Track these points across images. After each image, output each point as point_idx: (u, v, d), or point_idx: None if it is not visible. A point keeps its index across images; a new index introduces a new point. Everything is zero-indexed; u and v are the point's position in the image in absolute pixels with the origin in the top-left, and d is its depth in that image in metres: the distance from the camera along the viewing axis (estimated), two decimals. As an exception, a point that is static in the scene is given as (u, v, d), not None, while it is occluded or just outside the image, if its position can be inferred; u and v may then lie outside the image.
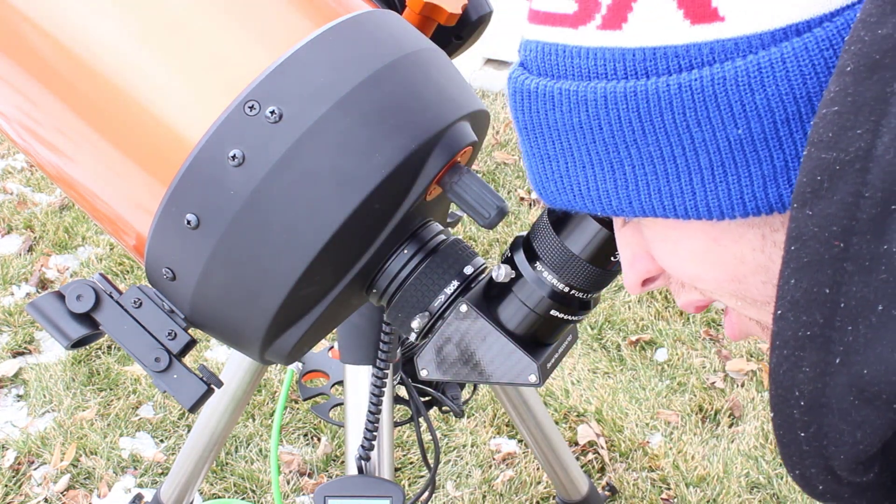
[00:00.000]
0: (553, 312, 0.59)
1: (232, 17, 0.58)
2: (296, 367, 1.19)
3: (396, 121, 0.56)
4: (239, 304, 0.57)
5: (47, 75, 0.58)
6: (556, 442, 1.40)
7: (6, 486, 1.85)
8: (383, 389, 0.84)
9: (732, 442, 2.03)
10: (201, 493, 1.85)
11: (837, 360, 0.38)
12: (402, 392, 1.07)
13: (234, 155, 0.53)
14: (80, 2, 0.57)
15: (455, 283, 0.62)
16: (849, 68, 0.35)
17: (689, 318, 2.41)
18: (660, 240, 0.46)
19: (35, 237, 2.65)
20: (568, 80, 0.42)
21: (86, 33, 0.57)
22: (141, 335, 0.59)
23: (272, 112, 0.53)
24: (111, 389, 2.10)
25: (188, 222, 0.55)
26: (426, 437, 1.72)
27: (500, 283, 0.60)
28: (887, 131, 0.34)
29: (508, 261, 0.60)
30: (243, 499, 1.84)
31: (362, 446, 0.87)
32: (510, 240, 0.63)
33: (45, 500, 1.82)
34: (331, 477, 1.90)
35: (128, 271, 2.49)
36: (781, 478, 1.94)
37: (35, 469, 1.90)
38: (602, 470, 1.96)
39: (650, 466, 1.96)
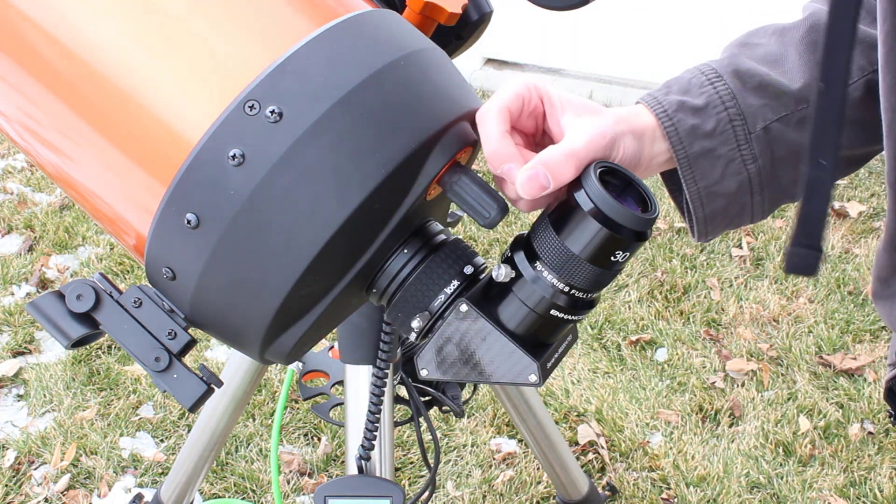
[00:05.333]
0: (553, 312, 0.59)
1: (231, 16, 0.58)
2: (296, 367, 1.19)
3: (397, 120, 0.56)
4: (239, 303, 0.57)
5: (47, 75, 0.58)
6: (557, 442, 1.40)
7: (6, 485, 1.85)
8: (383, 389, 0.84)
9: (732, 442, 2.03)
10: (201, 493, 1.85)
11: None
12: (403, 392, 1.07)
13: (234, 154, 0.53)
14: (80, 2, 0.57)
15: (455, 283, 0.62)
16: None
17: (689, 318, 2.41)
18: None
19: (35, 237, 2.65)
20: None
21: (85, 33, 0.57)
22: (141, 335, 0.59)
23: (272, 112, 0.53)
24: (111, 389, 2.10)
25: (188, 222, 0.55)
26: (426, 436, 1.72)
27: (500, 282, 0.60)
28: None
29: (508, 260, 0.60)
30: (243, 499, 1.84)
31: (362, 446, 0.87)
32: (510, 240, 0.63)
33: (46, 499, 1.82)
34: (331, 477, 1.90)
35: (128, 271, 2.49)
36: (781, 478, 1.94)
37: (35, 469, 1.90)
38: (602, 470, 1.96)
39: (650, 466, 1.96)
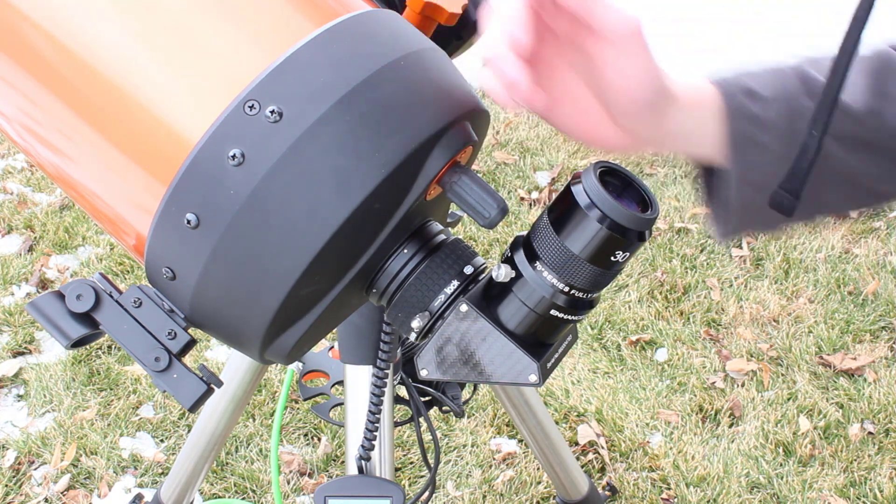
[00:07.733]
0: (553, 312, 0.59)
1: (231, 16, 0.58)
2: (296, 367, 1.19)
3: (397, 120, 0.56)
4: (239, 303, 0.57)
5: (48, 75, 0.58)
6: (557, 442, 1.40)
7: (6, 486, 1.85)
8: (383, 389, 0.84)
9: (732, 442, 2.03)
10: (201, 493, 1.85)
11: None
12: (403, 392, 1.07)
13: (234, 154, 0.53)
14: (80, 2, 0.57)
15: (455, 283, 0.62)
16: None
17: (689, 318, 2.41)
18: None
19: (35, 237, 2.65)
20: None
21: (86, 33, 0.57)
22: (141, 335, 0.59)
23: (272, 111, 0.53)
24: (111, 389, 2.10)
25: (188, 222, 0.55)
26: (426, 437, 1.72)
27: (500, 282, 0.60)
28: None
29: (508, 260, 0.60)
30: (243, 499, 1.84)
31: (362, 446, 0.87)
32: (510, 240, 0.63)
33: (46, 500, 1.82)
34: (331, 477, 1.90)
35: (128, 271, 2.49)
36: (781, 478, 1.94)
37: (35, 469, 1.90)
38: (602, 470, 1.96)
39: (650, 466, 1.96)
